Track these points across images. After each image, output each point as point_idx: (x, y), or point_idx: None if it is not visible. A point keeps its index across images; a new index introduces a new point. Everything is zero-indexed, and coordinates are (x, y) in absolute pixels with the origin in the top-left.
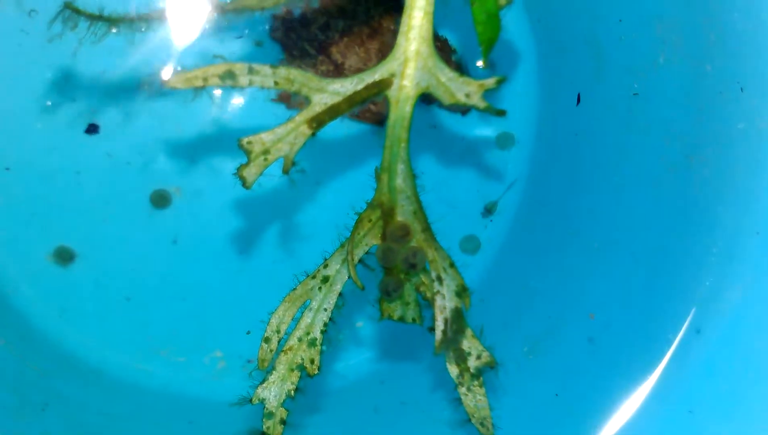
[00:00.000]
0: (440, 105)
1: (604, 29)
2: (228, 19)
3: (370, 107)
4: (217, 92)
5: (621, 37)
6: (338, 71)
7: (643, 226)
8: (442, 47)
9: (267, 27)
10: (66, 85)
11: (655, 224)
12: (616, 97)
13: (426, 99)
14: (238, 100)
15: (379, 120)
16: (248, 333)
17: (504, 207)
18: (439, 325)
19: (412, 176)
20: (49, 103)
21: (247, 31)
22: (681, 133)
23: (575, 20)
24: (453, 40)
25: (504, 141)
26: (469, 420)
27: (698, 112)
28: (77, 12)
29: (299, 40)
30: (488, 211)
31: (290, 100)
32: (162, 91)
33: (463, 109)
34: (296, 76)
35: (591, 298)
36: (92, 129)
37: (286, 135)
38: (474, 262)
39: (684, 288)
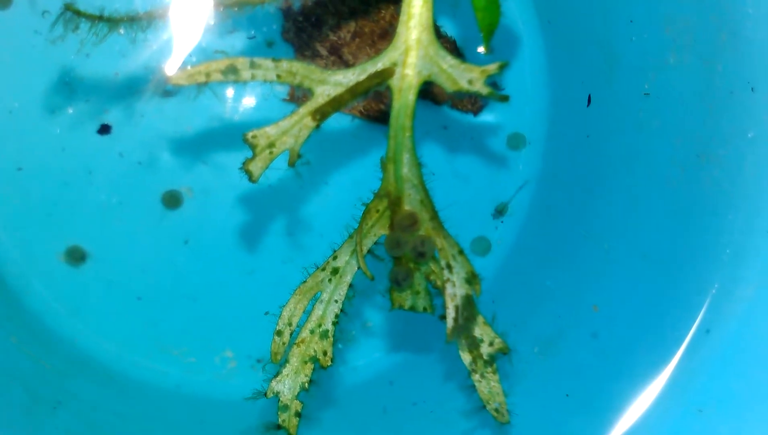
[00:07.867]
0: (451, 105)
1: (615, 29)
2: (230, 15)
3: (380, 106)
4: (230, 92)
5: (632, 38)
6: None
7: (654, 227)
8: (451, 49)
9: (278, 27)
10: (79, 85)
11: (666, 224)
12: (627, 97)
13: (436, 99)
14: (249, 101)
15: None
16: (266, 314)
17: (515, 208)
18: (450, 313)
19: (418, 165)
20: (63, 104)
21: (253, 32)
22: (692, 133)
23: (586, 21)
24: (459, 38)
25: (515, 142)
26: (484, 407)
27: (709, 112)
28: (78, 13)
29: (311, 41)
30: (499, 212)
31: (294, 97)
32: (169, 89)
33: (475, 110)
34: (298, 69)
35: (601, 298)
36: (104, 129)
37: (290, 128)
38: (484, 263)
39: (694, 288)
